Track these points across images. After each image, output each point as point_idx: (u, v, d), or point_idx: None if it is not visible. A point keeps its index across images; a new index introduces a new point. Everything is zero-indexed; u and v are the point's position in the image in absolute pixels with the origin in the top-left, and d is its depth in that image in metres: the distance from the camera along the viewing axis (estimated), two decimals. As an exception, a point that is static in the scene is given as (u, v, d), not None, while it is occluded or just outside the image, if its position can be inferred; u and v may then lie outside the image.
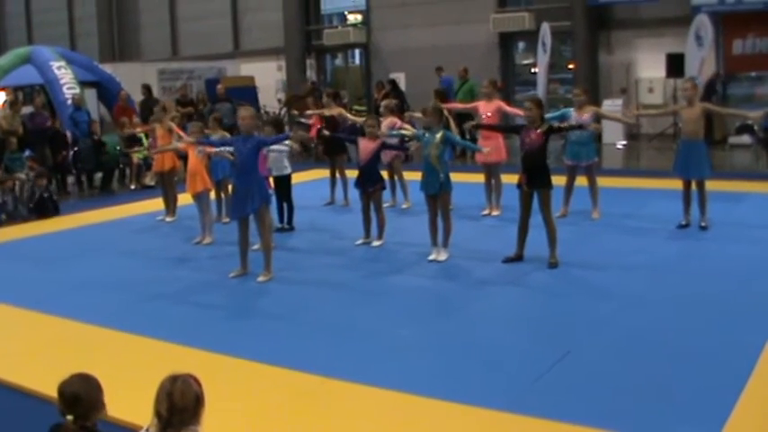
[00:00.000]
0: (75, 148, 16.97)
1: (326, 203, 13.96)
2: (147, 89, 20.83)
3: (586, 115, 11.48)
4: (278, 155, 11.53)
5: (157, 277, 9.72)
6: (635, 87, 21.63)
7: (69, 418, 3.58)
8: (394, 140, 11.92)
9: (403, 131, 11.66)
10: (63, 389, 3.63)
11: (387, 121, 12.70)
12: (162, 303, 8.65)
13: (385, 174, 11.89)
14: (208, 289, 9.19)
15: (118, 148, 17.79)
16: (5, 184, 13.76)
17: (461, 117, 13.06)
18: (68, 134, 17.29)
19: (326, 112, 14.42)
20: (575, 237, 10.58)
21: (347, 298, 8.59)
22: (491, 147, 11.25)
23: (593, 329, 7.15)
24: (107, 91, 20.74)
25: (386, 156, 12.79)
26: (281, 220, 11.88)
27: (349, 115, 15.03)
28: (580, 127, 10.83)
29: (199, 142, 10.83)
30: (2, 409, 6.07)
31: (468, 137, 15.35)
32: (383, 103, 13.64)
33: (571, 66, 22.71)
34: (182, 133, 13.13)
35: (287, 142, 11.06)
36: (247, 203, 9.17)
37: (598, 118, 12.09)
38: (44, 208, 14.03)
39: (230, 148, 9.93)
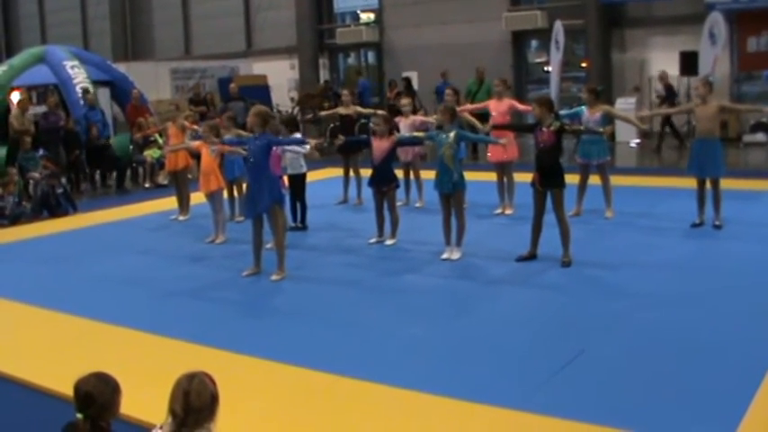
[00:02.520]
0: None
1: (339, 202, 13.97)
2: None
3: (597, 114, 11.45)
4: (295, 154, 11.53)
5: (171, 276, 9.75)
6: (648, 85, 21.55)
7: (79, 416, 3.59)
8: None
9: (416, 134, 11.62)
10: (78, 387, 3.63)
11: (409, 120, 12.70)
12: (175, 302, 8.68)
13: (400, 172, 11.89)
14: (221, 287, 9.21)
15: (131, 147, 17.86)
16: (8, 187, 13.77)
17: (479, 117, 13.02)
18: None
19: (342, 111, 14.41)
20: (588, 235, 10.55)
21: (360, 297, 8.60)
22: (501, 145, 11.19)
23: (606, 328, 7.14)
24: (120, 90, 20.79)
25: (407, 154, 12.81)
26: (295, 219, 11.89)
27: (364, 111, 15.02)
28: (593, 132, 10.81)
29: (222, 141, 10.83)
30: (18, 407, 6.10)
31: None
32: (404, 101, 13.57)
33: (584, 64, 22.66)
34: (196, 127, 13.16)
35: (306, 146, 10.96)
36: (259, 202, 9.19)
37: (610, 117, 12.06)
38: (58, 207, 14.08)
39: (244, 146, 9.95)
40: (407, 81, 22.80)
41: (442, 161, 9.66)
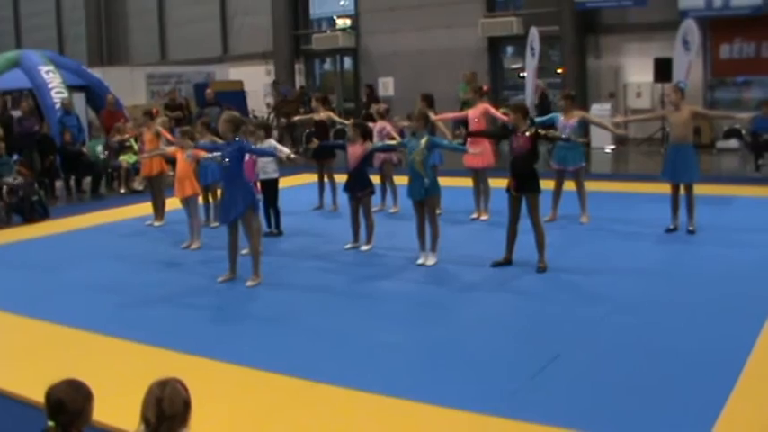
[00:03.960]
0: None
1: (315, 208, 13.95)
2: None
3: (573, 120, 11.53)
4: (267, 158, 11.50)
5: (146, 281, 9.70)
6: (623, 92, 21.70)
7: (50, 424, 3.55)
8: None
9: (387, 141, 11.58)
10: (49, 394, 3.59)
11: (377, 126, 12.73)
12: (150, 308, 8.63)
13: (375, 178, 11.90)
14: (196, 293, 9.17)
15: (105, 152, 17.75)
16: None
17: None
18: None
19: (315, 117, 14.43)
20: (563, 241, 10.60)
21: (335, 302, 8.59)
22: (479, 150, 11.19)
23: (581, 333, 7.17)
24: (95, 95, 20.69)
25: (376, 159, 12.83)
26: (270, 225, 11.87)
27: (338, 119, 15.03)
28: (567, 140, 10.85)
29: (197, 147, 10.82)
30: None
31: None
32: (374, 107, 13.68)
33: (560, 70, 22.77)
34: (169, 137, 13.12)
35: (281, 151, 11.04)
36: (232, 208, 9.18)
37: (585, 123, 12.11)
38: (32, 212, 13.99)
39: (218, 153, 9.94)
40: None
41: (413, 167, 9.66)
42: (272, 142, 11.50)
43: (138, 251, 11.47)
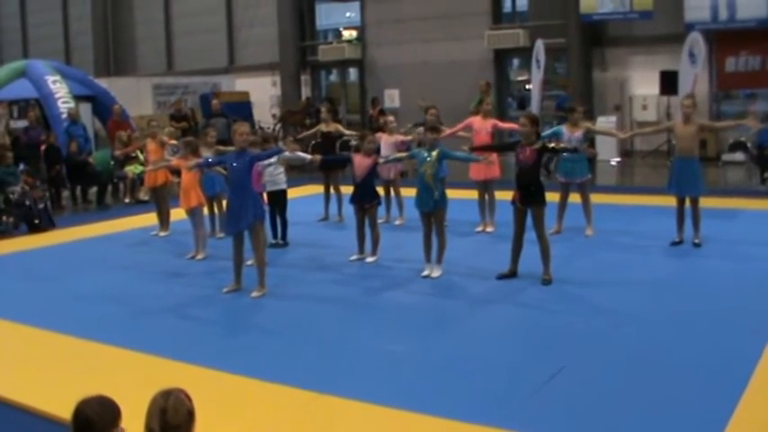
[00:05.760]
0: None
1: (321, 219, 13.95)
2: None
3: (578, 132, 11.51)
4: (274, 170, 11.54)
5: (151, 292, 9.70)
6: (629, 104, 21.70)
7: None
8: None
9: (398, 155, 11.54)
10: (79, 409, 3.48)
11: (392, 138, 12.75)
12: (155, 318, 8.63)
13: (381, 190, 11.91)
14: (201, 304, 9.17)
15: (112, 162, 17.78)
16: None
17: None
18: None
19: (323, 128, 14.44)
20: (568, 253, 10.59)
21: (341, 314, 8.58)
22: (485, 163, 11.14)
23: (587, 345, 7.15)
24: (102, 105, 20.75)
25: (388, 172, 12.80)
26: (275, 236, 11.87)
27: (345, 131, 15.05)
28: (575, 150, 10.84)
29: (197, 165, 10.80)
30: (-6, 425, 6.05)
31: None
32: (389, 119, 13.67)
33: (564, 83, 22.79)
34: (175, 142, 13.13)
35: (286, 154, 11.15)
36: (242, 219, 9.17)
37: (591, 135, 12.09)
38: (38, 221, 14.00)
39: (222, 165, 9.94)
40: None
41: (422, 180, 9.65)
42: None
43: (142, 261, 11.47)
